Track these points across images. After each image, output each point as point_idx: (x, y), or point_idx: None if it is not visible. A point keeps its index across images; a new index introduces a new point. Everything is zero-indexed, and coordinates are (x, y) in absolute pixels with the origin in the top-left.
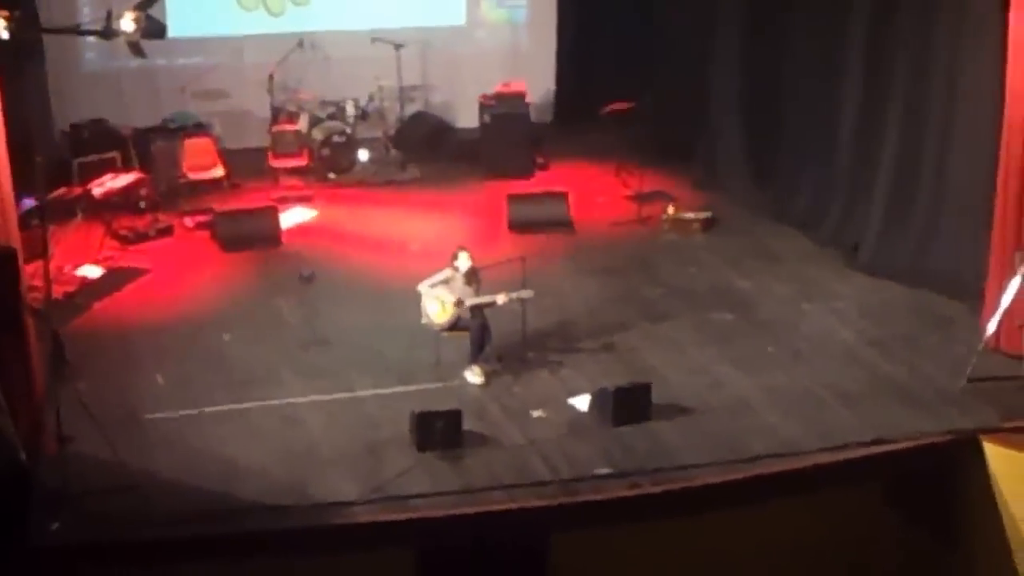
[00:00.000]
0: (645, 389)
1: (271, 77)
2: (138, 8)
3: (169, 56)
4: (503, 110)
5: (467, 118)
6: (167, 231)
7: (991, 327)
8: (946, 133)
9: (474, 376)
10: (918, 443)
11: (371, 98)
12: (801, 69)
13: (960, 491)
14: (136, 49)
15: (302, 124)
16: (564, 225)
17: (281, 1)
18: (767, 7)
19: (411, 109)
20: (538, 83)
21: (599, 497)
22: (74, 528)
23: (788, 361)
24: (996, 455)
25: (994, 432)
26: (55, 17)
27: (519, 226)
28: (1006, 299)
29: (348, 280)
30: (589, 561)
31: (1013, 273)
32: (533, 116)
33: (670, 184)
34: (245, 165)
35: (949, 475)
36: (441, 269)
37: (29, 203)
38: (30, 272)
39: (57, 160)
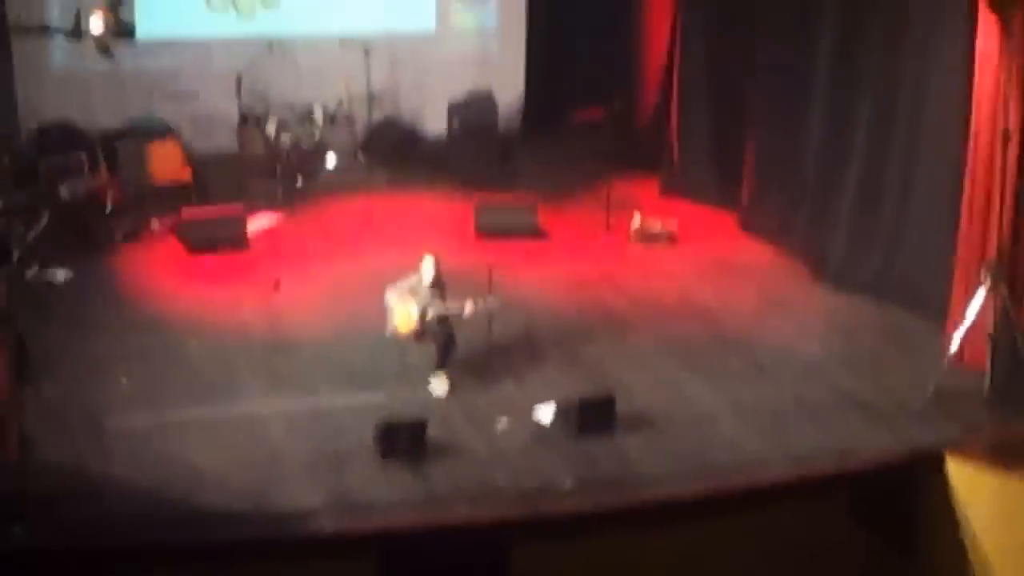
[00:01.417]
0: (610, 401)
1: (239, 80)
2: (107, 9)
3: (137, 58)
4: (471, 117)
5: (435, 125)
6: (133, 234)
7: (955, 342)
8: (912, 147)
9: (439, 385)
10: (881, 458)
11: (340, 103)
12: (768, 79)
13: (923, 506)
14: (104, 50)
15: (270, 128)
16: (532, 233)
17: (250, 4)
18: (735, 17)
19: (380, 115)
20: (507, 90)
21: (562, 509)
22: (36, 533)
23: (752, 374)
24: (959, 471)
25: (957, 447)
26: (23, 16)
27: (487, 233)
28: (971, 314)
29: (313, 286)
30: (552, 573)
31: (978, 287)
32: (502, 123)
33: (637, 193)
34: (212, 169)
35: (912, 490)
36: (407, 276)
37: None
38: None
39: (23, 161)
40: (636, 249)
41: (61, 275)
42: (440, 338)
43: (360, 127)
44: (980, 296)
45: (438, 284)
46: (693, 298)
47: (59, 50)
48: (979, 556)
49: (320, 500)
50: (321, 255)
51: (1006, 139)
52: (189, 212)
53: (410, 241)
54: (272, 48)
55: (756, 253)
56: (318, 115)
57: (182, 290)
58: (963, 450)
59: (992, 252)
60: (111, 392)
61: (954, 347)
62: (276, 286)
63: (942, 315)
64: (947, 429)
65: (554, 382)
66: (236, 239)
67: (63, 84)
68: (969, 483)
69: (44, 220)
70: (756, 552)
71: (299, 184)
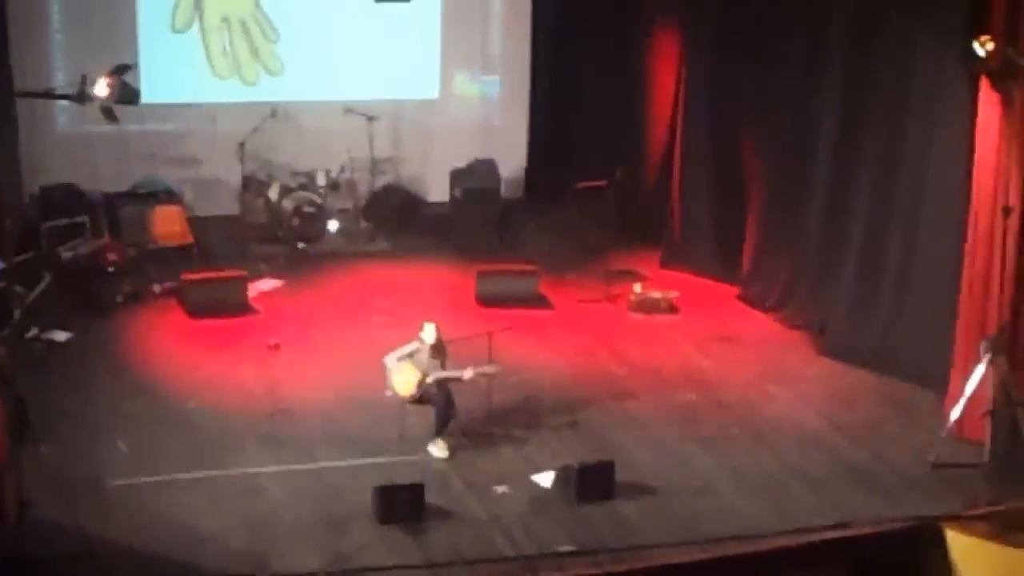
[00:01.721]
0: (609, 467)
1: (242, 145)
2: (112, 74)
3: (141, 122)
4: (474, 184)
5: (438, 192)
6: (134, 297)
7: (955, 414)
8: (913, 219)
9: (438, 450)
10: (881, 528)
11: (342, 169)
12: (770, 154)
13: None
14: (109, 114)
15: (273, 193)
16: (533, 301)
17: (255, 70)
18: (737, 91)
19: (382, 181)
20: (510, 158)
21: (561, 575)
22: None
23: (752, 443)
24: (958, 542)
25: (956, 519)
26: (29, 80)
27: (487, 301)
28: (970, 387)
29: (314, 350)
30: None
31: (977, 361)
32: (504, 191)
33: (638, 263)
34: (215, 232)
35: (911, 561)
36: (408, 342)
37: None
38: None
39: (26, 223)
40: (636, 319)
41: (61, 336)
42: (439, 403)
43: (362, 193)
44: (980, 369)
45: (438, 350)
46: (693, 367)
47: (64, 113)
48: None
49: (318, 563)
50: (322, 320)
51: (1007, 214)
52: (190, 276)
53: (411, 307)
54: (276, 114)
55: (756, 324)
56: (321, 180)
57: (182, 353)
58: (962, 522)
59: (992, 326)
60: (110, 454)
61: (953, 419)
62: (276, 348)
63: (942, 387)
64: (946, 501)
65: (553, 448)
66: (237, 303)
67: (67, 147)
68: (968, 555)
69: (45, 282)
70: None
71: (301, 249)
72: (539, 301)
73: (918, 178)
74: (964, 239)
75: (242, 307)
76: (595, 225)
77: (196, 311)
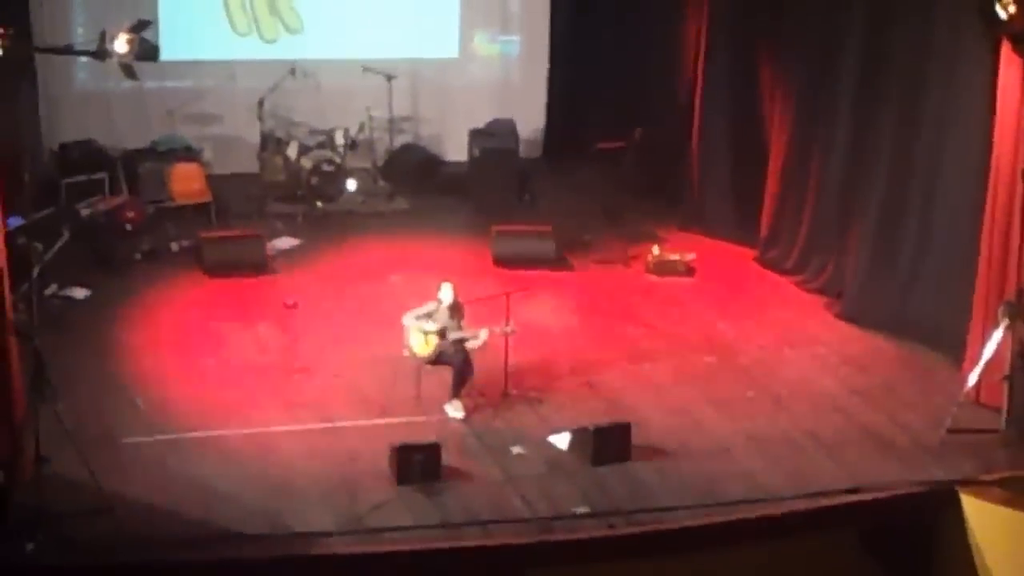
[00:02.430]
0: (625, 429)
1: (261, 103)
2: (132, 30)
3: (161, 79)
4: (492, 144)
5: (456, 151)
6: (152, 254)
7: (972, 379)
8: (932, 184)
9: (455, 410)
10: (895, 492)
11: (361, 128)
12: (789, 115)
13: (936, 542)
14: (128, 71)
15: (291, 152)
16: (550, 262)
17: (275, 28)
18: (757, 53)
19: (401, 140)
20: (528, 118)
21: (575, 536)
22: (49, 549)
23: (768, 406)
24: (973, 507)
25: (972, 484)
26: (48, 36)
27: (504, 261)
28: (988, 351)
29: (331, 310)
30: None
31: (995, 326)
32: (522, 151)
33: (656, 225)
34: (233, 190)
35: (926, 525)
36: (425, 302)
37: (15, 222)
38: (14, 290)
39: (45, 180)
40: (654, 280)
41: (80, 294)
42: (457, 363)
43: (381, 152)
44: (998, 334)
45: (455, 310)
46: (710, 330)
47: (83, 70)
48: None
49: (334, 523)
50: (339, 279)
51: None
52: (209, 234)
53: (428, 267)
54: (295, 72)
55: (774, 287)
56: (339, 139)
57: (200, 311)
58: (977, 487)
59: (1010, 290)
60: (127, 411)
61: (970, 384)
62: (293, 307)
63: (959, 352)
64: (962, 465)
65: (569, 410)
66: (255, 262)
67: (86, 103)
68: (983, 519)
69: (64, 238)
70: None
71: (319, 208)
72: (556, 262)
73: (938, 142)
74: (983, 204)
75: (260, 266)
76: (613, 186)
77: (214, 269)
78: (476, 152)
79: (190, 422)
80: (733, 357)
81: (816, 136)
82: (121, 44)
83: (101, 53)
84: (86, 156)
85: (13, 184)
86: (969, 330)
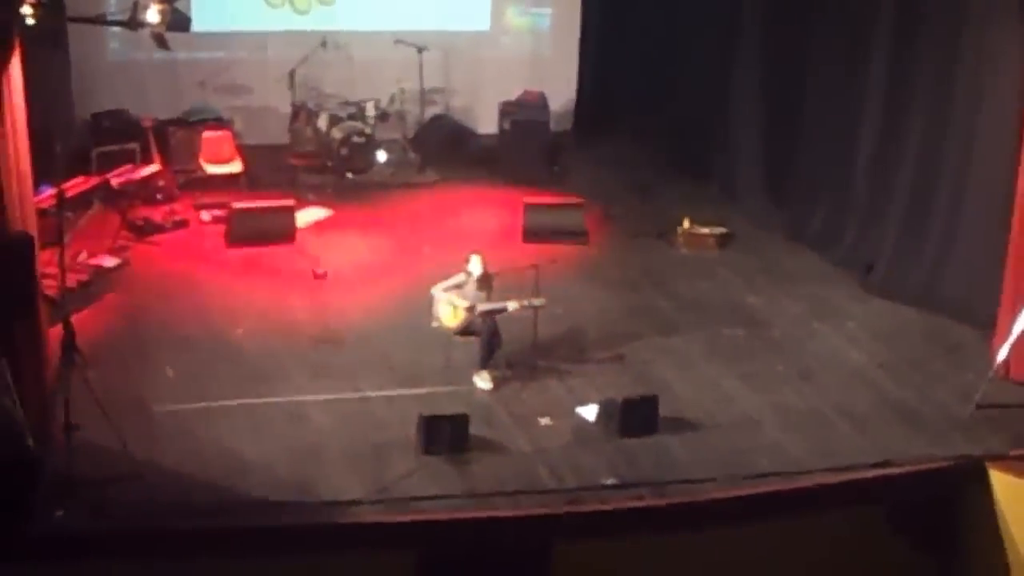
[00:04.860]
0: (653, 401)
1: (292, 74)
2: (164, 0)
3: (192, 49)
4: (523, 117)
5: (487, 123)
6: (183, 224)
7: (1002, 354)
8: (963, 159)
9: (483, 381)
10: (924, 467)
11: (392, 99)
12: (821, 89)
13: (964, 517)
14: (160, 41)
15: (322, 123)
16: (579, 235)
17: None
18: (788, 27)
19: (431, 112)
20: (559, 91)
21: (603, 508)
22: (79, 516)
23: (797, 380)
24: (1002, 483)
25: (1000, 459)
26: (81, 6)
27: (534, 234)
28: (1018, 327)
29: (361, 280)
30: (591, 571)
31: None
32: (553, 125)
33: (687, 198)
34: (263, 161)
35: (954, 501)
36: (455, 273)
37: (47, 190)
38: (45, 259)
39: (77, 149)
40: (683, 253)
41: (110, 262)
42: (485, 335)
43: (411, 124)
44: None
45: (485, 282)
46: (739, 303)
47: (115, 39)
48: (1019, 568)
49: (362, 491)
50: (369, 250)
51: None
52: (239, 204)
53: (458, 239)
54: (326, 43)
55: (803, 261)
56: (370, 111)
57: (230, 281)
58: (1006, 462)
59: None
60: (157, 379)
61: (1000, 359)
62: (323, 277)
63: (989, 327)
64: (990, 440)
65: (598, 382)
66: (285, 232)
67: (118, 73)
68: (1011, 495)
69: (95, 207)
70: (794, 556)
71: (349, 179)
72: (586, 234)
73: (969, 116)
74: (1014, 180)
75: (290, 236)
76: (644, 159)
77: (244, 239)
78: (506, 125)
79: (220, 390)
80: (762, 330)
81: (848, 109)
82: (153, 14)
83: (133, 23)
84: (117, 126)
85: (45, 153)
86: (999, 305)
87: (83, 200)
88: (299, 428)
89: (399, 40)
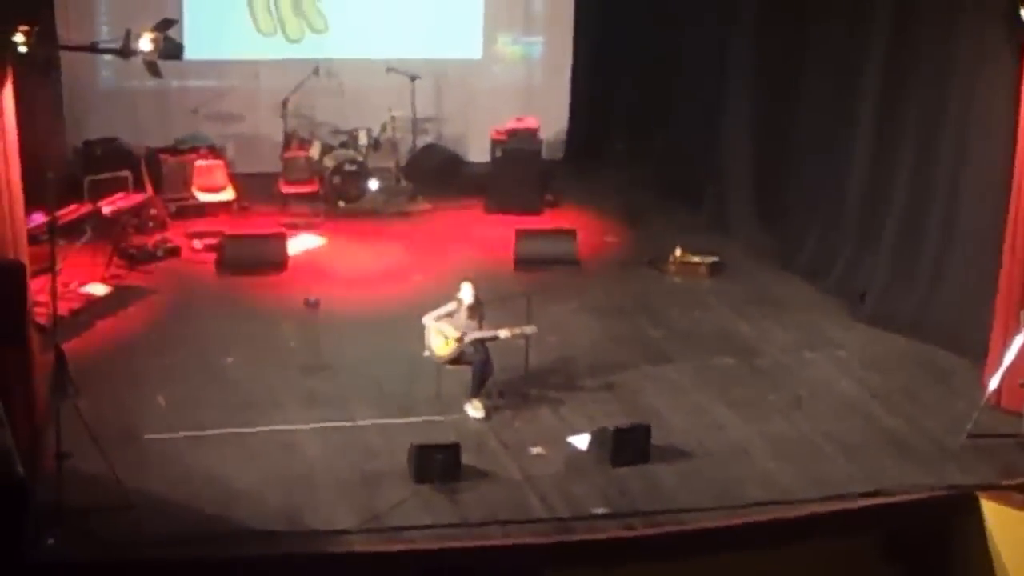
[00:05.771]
0: (645, 430)
1: (285, 102)
2: (156, 29)
3: (185, 77)
4: (515, 145)
5: (479, 152)
6: (175, 252)
7: (993, 384)
8: (955, 188)
9: (474, 410)
10: (915, 497)
11: (384, 128)
12: (812, 118)
13: (956, 547)
14: (153, 69)
15: (314, 151)
16: (571, 263)
17: (299, 27)
18: (780, 57)
19: (423, 141)
20: (551, 120)
21: (594, 537)
22: (69, 545)
23: (788, 409)
24: (993, 512)
25: (992, 489)
26: (73, 34)
27: (526, 262)
28: (1009, 356)
29: (352, 308)
30: None
31: (1017, 330)
32: (544, 153)
33: (678, 227)
34: (255, 189)
35: (946, 530)
36: (446, 302)
37: (38, 218)
38: (36, 287)
39: (68, 177)
40: (675, 282)
41: (101, 290)
42: (477, 363)
43: (403, 152)
44: (1019, 339)
45: (476, 310)
46: (731, 331)
47: (107, 68)
48: None
49: (353, 521)
50: (360, 278)
51: None
52: (231, 232)
53: (449, 266)
54: (319, 72)
55: (795, 290)
56: (362, 139)
57: (221, 309)
58: (998, 492)
59: None
60: (148, 408)
61: (991, 389)
62: (314, 306)
63: (981, 356)
64: (982, 470)
65: (589, 410)
66: (277, 260)
67: (110, 101)
68: (1003, 525)
69: (87, 236)
70: None
71: (341, 207)
72: (577, 262)
73: (960, 144)
74: (1006, 207)
75: (281, 264)
76: (635, 188)
77: (236, 267)
78: (498, 153)
79: (211, 419)
80: (754, 359)
81: (839, 138)
82: (146, 42)
83: (126, 51)
84: (109, 153)
85: (36, 181)
86: (991, 334)
87: (75, 228)
88: (290, 457)
89: (391, 68)
